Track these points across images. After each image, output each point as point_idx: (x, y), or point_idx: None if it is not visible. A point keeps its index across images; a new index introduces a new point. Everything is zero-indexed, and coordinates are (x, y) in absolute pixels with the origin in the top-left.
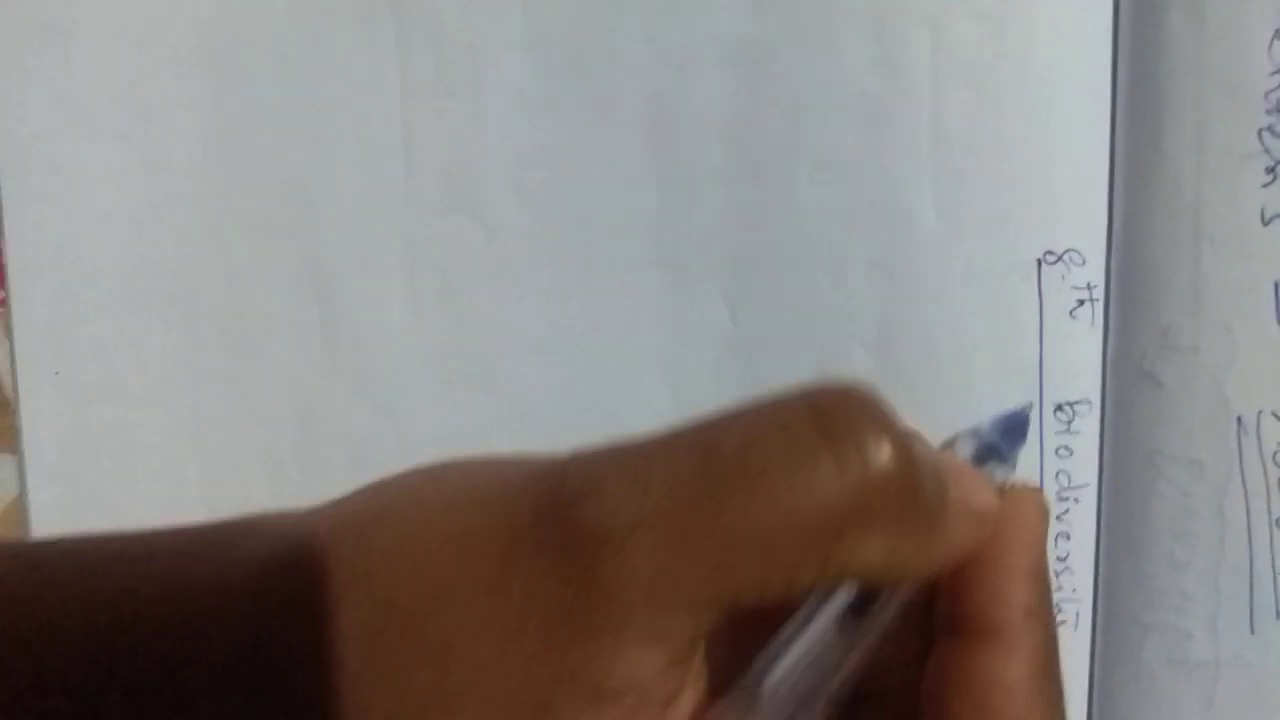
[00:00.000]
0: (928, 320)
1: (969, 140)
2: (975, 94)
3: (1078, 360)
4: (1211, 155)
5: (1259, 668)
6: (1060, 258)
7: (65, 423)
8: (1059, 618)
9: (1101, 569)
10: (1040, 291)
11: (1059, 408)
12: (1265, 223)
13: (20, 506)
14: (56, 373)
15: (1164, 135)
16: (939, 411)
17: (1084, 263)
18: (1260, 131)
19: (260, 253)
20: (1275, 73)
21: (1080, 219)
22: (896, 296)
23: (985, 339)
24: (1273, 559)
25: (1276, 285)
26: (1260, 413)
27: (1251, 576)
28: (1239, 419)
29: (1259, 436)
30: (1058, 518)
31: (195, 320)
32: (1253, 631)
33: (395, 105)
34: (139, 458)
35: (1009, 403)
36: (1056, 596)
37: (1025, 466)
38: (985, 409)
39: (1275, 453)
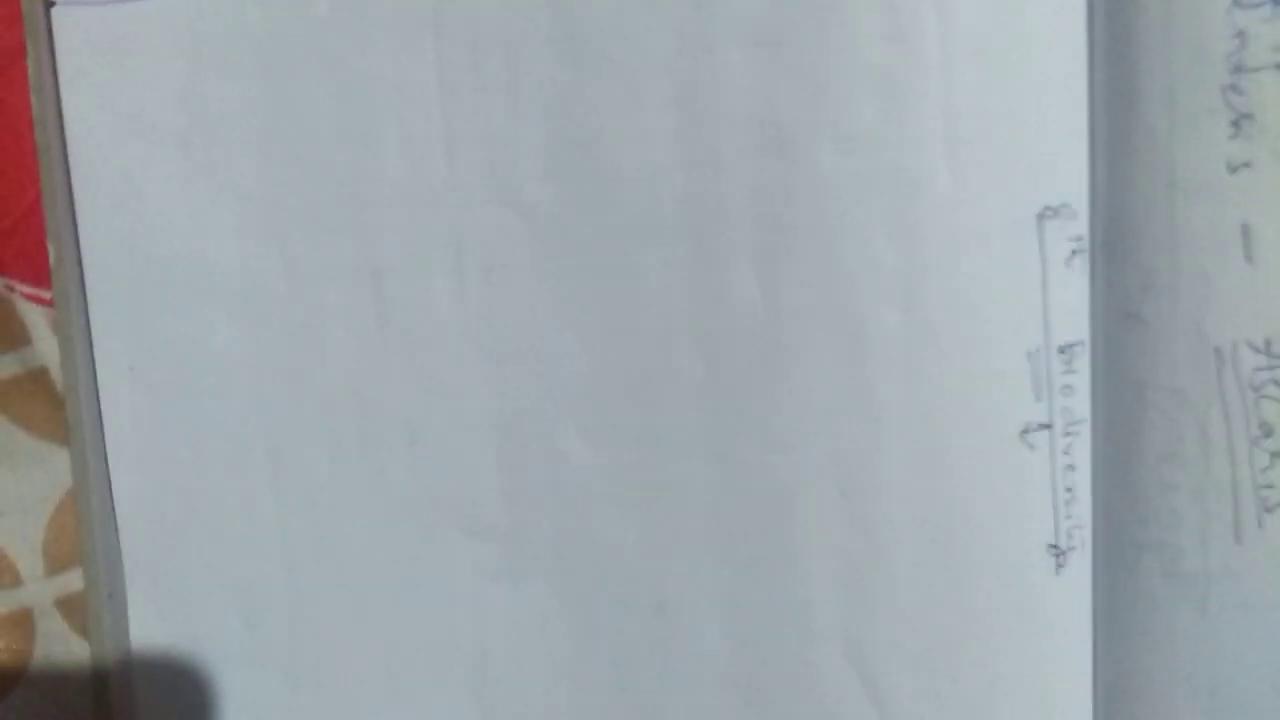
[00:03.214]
0: (947, 277)
1: (975, 108)
2: (979, 63)
3: (1075, 305)
4: (1182, 114)
5: (1244, 574)
6: (1056, 212)
7: (141, 414)
8: (1069, 543)
9: (1100, 495)
10: (1042, 244)
11: (1061, 349)
12: (1232, 171)
13: (83, 496)
14: (131, 368)
15: (1139, 98)
16: (965, 359)
17: (1076, 216)
18: (1223, 89)
19: (315, 248)
20: (1234, 36)
21: (1071, 176)
22: (918, 257)
23: (998, 290)
24: (1252, 473)
25: (1244, 227)
26: (1235, 343)
27: (1234, 491)
28: (1217, 350)
29: (1235, 364)
30: (1064, 452)
31: (256, 313)
32: (1237, 541)
33: (435, 103)
34: (208, 444)
35: (1023, 347)
36: (1066, 524)
37: (1038, 407)
38: (1003, 354)
39: (1251, 378)
